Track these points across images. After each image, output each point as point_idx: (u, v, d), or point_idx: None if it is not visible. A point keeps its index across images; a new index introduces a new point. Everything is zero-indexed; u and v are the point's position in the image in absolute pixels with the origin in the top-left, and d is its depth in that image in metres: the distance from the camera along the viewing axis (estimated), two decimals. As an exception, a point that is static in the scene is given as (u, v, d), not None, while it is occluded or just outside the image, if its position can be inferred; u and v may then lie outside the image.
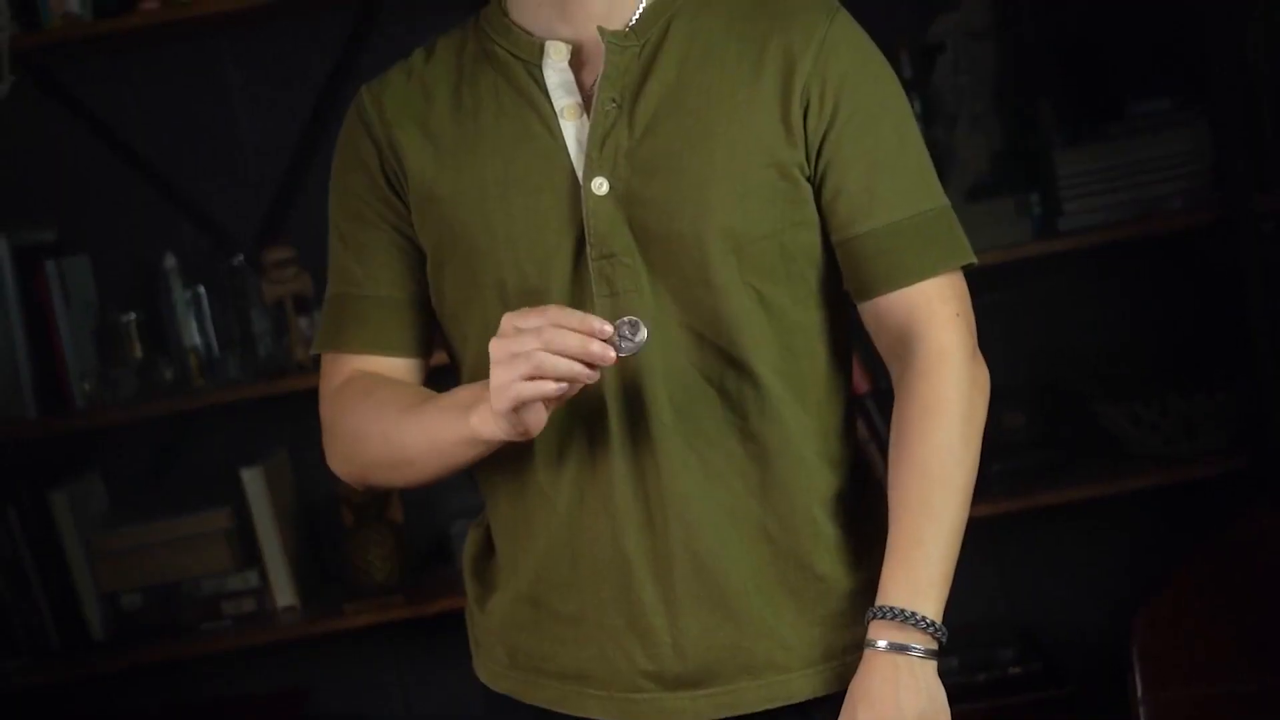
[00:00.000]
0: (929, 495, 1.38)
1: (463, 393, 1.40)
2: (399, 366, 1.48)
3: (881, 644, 1.36)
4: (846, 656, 1.43)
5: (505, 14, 1.46)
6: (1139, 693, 1.89)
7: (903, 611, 1.36)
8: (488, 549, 1.51)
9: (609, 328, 1.30)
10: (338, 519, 2.71)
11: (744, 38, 1.41)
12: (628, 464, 1.41)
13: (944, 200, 1.45)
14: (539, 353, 1.28)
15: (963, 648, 2.63)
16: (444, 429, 1.38)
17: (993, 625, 2.74)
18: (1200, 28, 2.57)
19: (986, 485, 2.63)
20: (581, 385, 1.31)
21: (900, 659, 1.35)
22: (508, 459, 1.44)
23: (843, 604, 1.44)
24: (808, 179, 1.42)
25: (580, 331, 1.28)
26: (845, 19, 1.44)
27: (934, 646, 1.37)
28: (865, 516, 1.47)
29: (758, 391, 1.40)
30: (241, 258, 2.74)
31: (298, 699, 2.77)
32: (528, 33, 1.44)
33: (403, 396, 1.44)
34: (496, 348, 1.30)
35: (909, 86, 2.52)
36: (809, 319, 1.43)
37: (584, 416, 1.41)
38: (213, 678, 2.78)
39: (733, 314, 1.40)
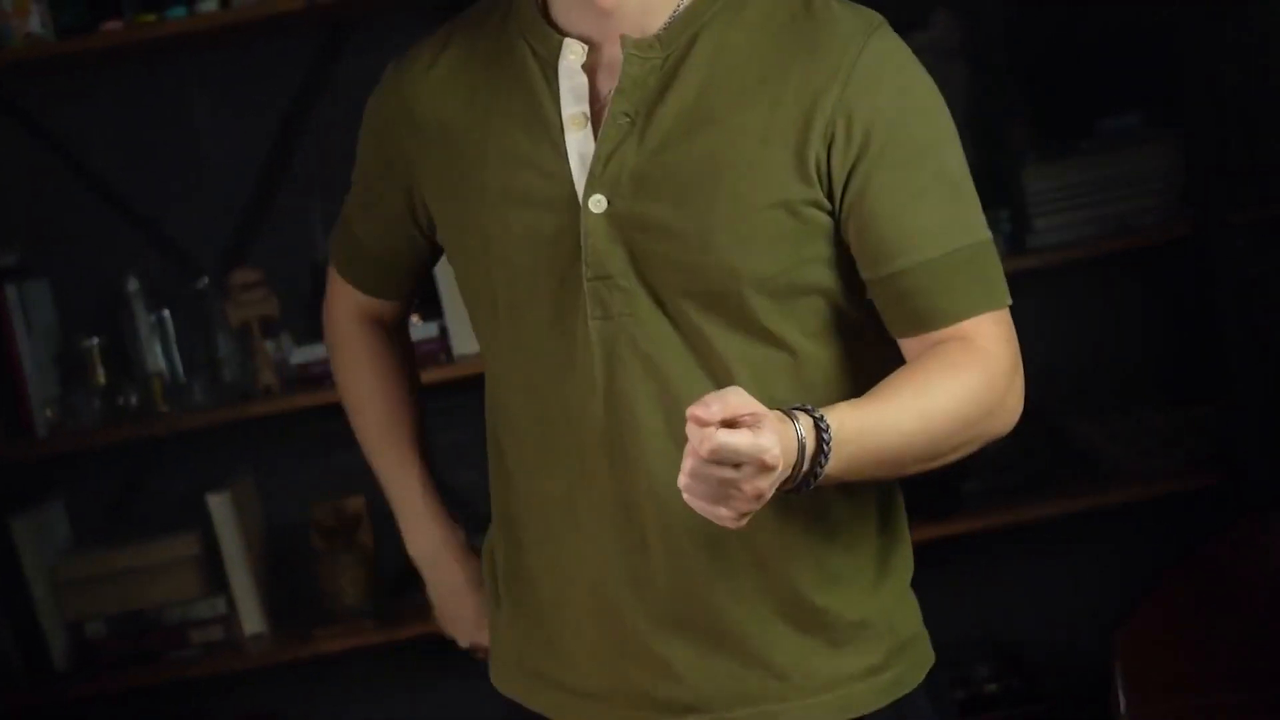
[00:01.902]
0: (916, 408, 1.29)
1: (420, 537, 1.68)
2: (384, 306, 1.60)
3: (801, 429, 1.24)
4: (852, 685, 1.40)
5: (536, 1, 1.40)
6: (1122, 707, 1.88)
7: (825, 427, 1.24)
8: (497, 557, 1.52)
9: None
10: (306, 544, 2.68)
11: (769, 60, 1.34)
12: (618, 487, 1.38)
13: (983, 235, 1.37)
14: None
15: (940, 664, 2.61)
16: (397, 510, 1.66)
17: (970, 642, 2.73)
18: (1170, 44, 2.59)
19: (960, 503, 2.64)
20: None
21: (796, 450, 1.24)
22: (505, 476, 1.46)
23: (846, 634, 1.40)
24: (829, 213, 1.35)
25: None
26: (881, 43, 1.34)
27: (805, 476, 1.25)
28: (876, 547, 1.42)
29: None
30: (206, 280, 2.71)
31: (267, 727, 2.74)
32: (553, 28, 1.38)
33: (388, 433, 1.65)
34: None
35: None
36: (822, 352, 1.38)
37: (575, 440, 1.39)
38: (180, 706, 2.75)
39: (732, 345, 1.35)
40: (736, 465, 1.20)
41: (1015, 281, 3.11)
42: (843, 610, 1.40)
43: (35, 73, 2.67)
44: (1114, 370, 2.74)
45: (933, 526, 2.55)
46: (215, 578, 2.67)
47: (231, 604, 2.66)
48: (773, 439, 1.20)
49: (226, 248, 2.78)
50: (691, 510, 1.32)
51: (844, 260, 1.37)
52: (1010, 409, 1.37)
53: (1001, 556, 2.76)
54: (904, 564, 1.45)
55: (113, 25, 2.56)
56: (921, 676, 1.44)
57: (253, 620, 2.66)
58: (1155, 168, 2.62)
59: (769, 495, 1.23)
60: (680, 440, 1.32)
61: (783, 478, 1.24)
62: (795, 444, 1.24)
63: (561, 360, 1.38)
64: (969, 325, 1.34)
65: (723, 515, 1.23)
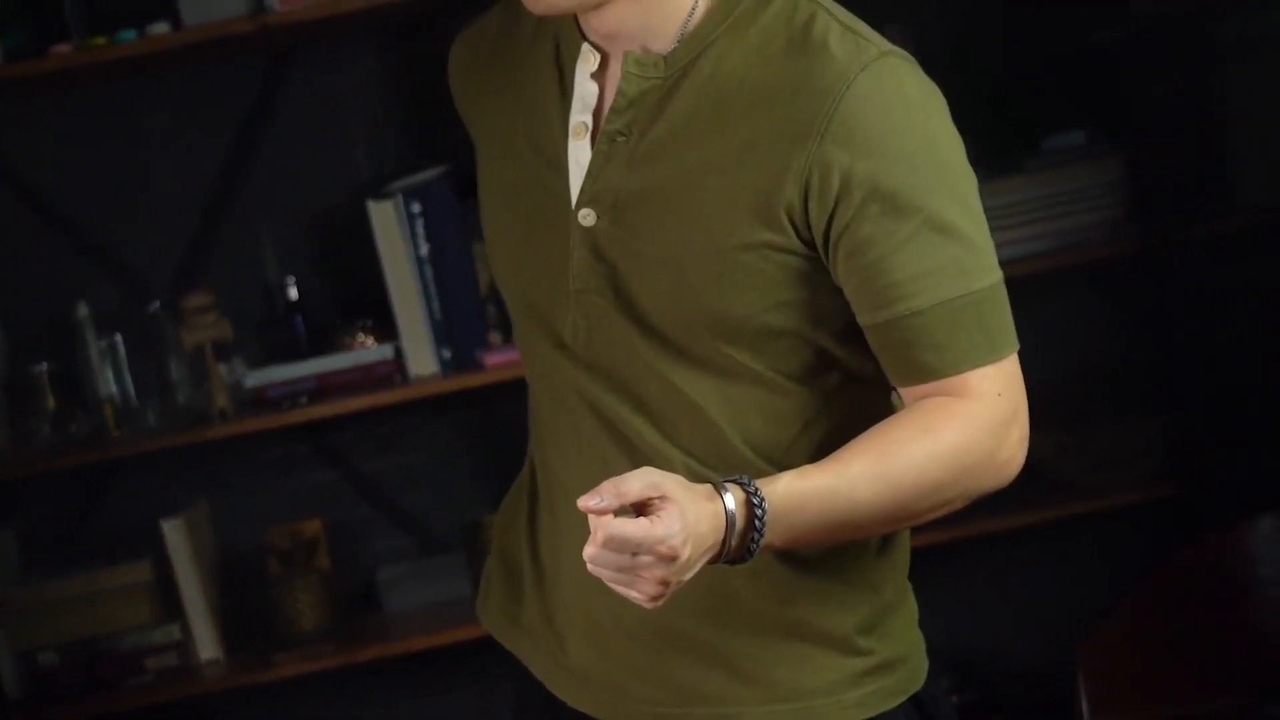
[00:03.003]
0: (876, 474, 1.26)
1: None
2: None
3: (730, 503, 1.22)
4: (815, 700, 1.39)
5: None
6: (1086, 718, 1.90)
7: (759, 501, 1.22)
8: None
9: None
10: (262, 569, 2.66)
11: (755, 95, 1.28)
12: (599, 474, 1.33)
13: (985, 281, 1.29)
14: None
15: (898, 680, 2.63)
16: None
17: (930, 654, 2.74)
18: (1112, 64, 2.63)
19: (917, 517, 2.66)
20: None
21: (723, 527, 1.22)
22: (535, 437, 1.46)
23: (817, 649, 1.39)
24: (806, 258, 1.29)
25: None
26: (869, 82, 1.26)
27: (739, 550, 1.24)
28: (873, 559, 1.41)
29: (723, 449, 1.34)
30: (158, 304, 2.69)
31: (223, 754, 2.72)
32: (578, 30, 1.35)
33: None
34: None
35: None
36: (802, 390, 1.34)
37: (574, 434, 1.40)
38: (137, 735, 2.72)
39: (704, 377, 1.33)
40: (635, 553, 1.18)
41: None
42: (812, 625, 1.39)
43: (-18, 96, 2.65)
44: (1066, 385, 2.76)
45: (889, 541, 2.56)
46: (170, 604, 2.65)
47: (187, 630, 2.64)
48: (674, 527, 1.18)
49: (177, 271, 2.76)
50: None
51: (826, 304, 1.32)
52: (1002, 463, 1.31)
53: (960, 569, 2.78)
54: (896, 587, 1.43)
55: (61, 49, 2.54)
56: (898, 701, 1.42)
57: (208, 646, 2.64)
58: (1101, 184, 2.65)
59: (684, 578, 1.21)
60: (651, 453, 1.34)
61: (705, 558, 1.22)
62: (721, 521, 1.21)
63: (562, 355, 1.39)
64: (963, 378, 1.29)
65: (635, 596, 1.22)
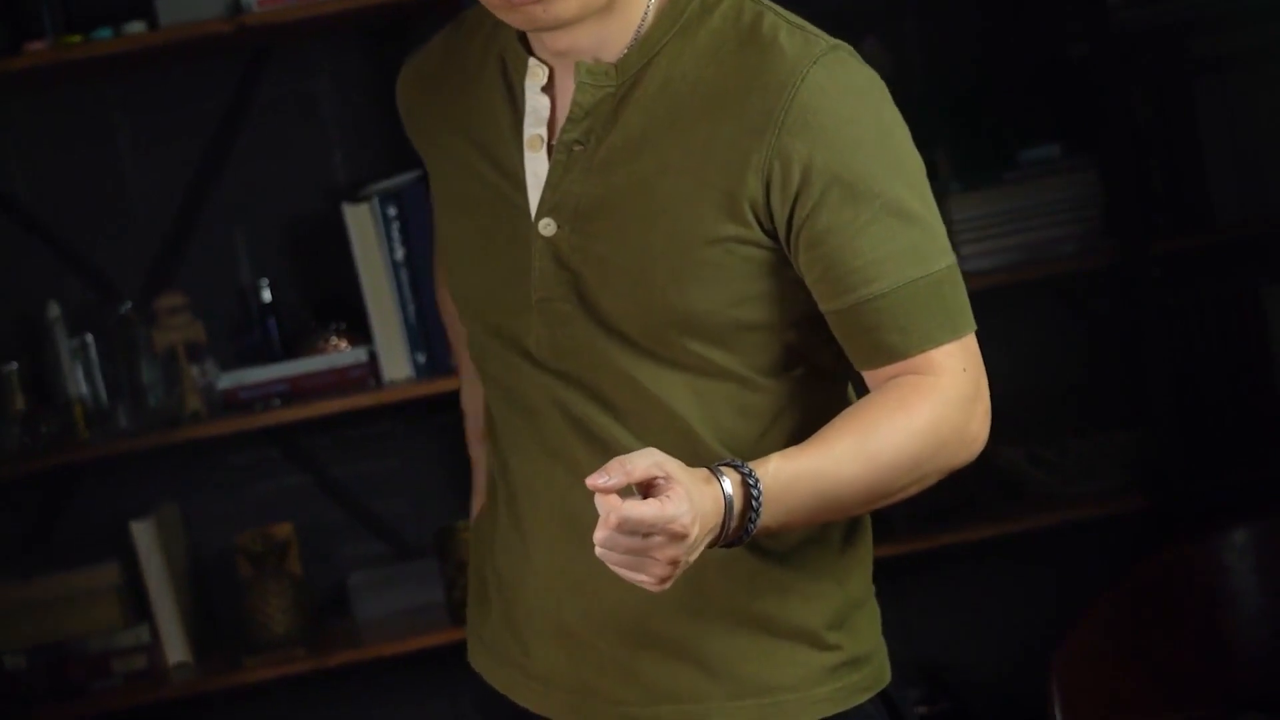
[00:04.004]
0: (859, 451, 1.28)
1: None
2: None
3: (727, 485, 1.24)
4: (782, 695, 1.40)
5: None
6: (1059, 729, 1.91)
7: (754, 482, 1.23)
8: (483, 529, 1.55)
9: None
10: (232, 572, 2.65)
11: (711, 94, 1.32)
12: (566, 492, 1.40)
13: (942, 263, 1.33)
14: None
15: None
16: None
17: (898, 665, 2.74)
18: (1087, 77, 2.64)
19: (888, 526, 2.66)
20: None
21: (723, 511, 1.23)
22: (493, 444, 1.47)
23: (782, 643, 1.40)
24: (770, 250, 1.33)
25: None
26: (822, 74, 1.30)
27: (736, 532, 1.25)
28: (830, 564, 1.43)
29: (695, 446, 1.36)
30: (130, 305, 2.68)
31: (191, 758, 2.70)
32: (523, 46, 1.38)
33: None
34: None
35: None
36: (772, 384, 1.37)
37: (537, 441, 1.41)
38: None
39: (675, 375, 1.35)
40: (647, 534, 1.19)
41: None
42: (780, 619, 1.40)
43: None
44: (1038, 396, 2.77)
45: (862, 551, 2.56)
46: (139, 607, 2.63)
47: (155, 633, 2.62)
48: (683, 506, 1.20)
49: (150, 272, 2.75)
50: None
51: (790, 295, 1.35)
52: (971, 440, 1.34)
53: (930, 580, 2.78)
54: (860, 582, 1.46)
55: (36, 46, 2.52)
56: (866, 697, 1.44)
57: (177, 650, 2.62)
58: (1075, 197, 2.66)
59: (691, 558, 1.22)
60: (622, 452, 1.32)
61: (708, 539, 1.23)
62: (720, 504, 1.23)
63: (526, 364, 1.40)
64: (925, 358, 1.32)
65: (642, 580, 1.23)
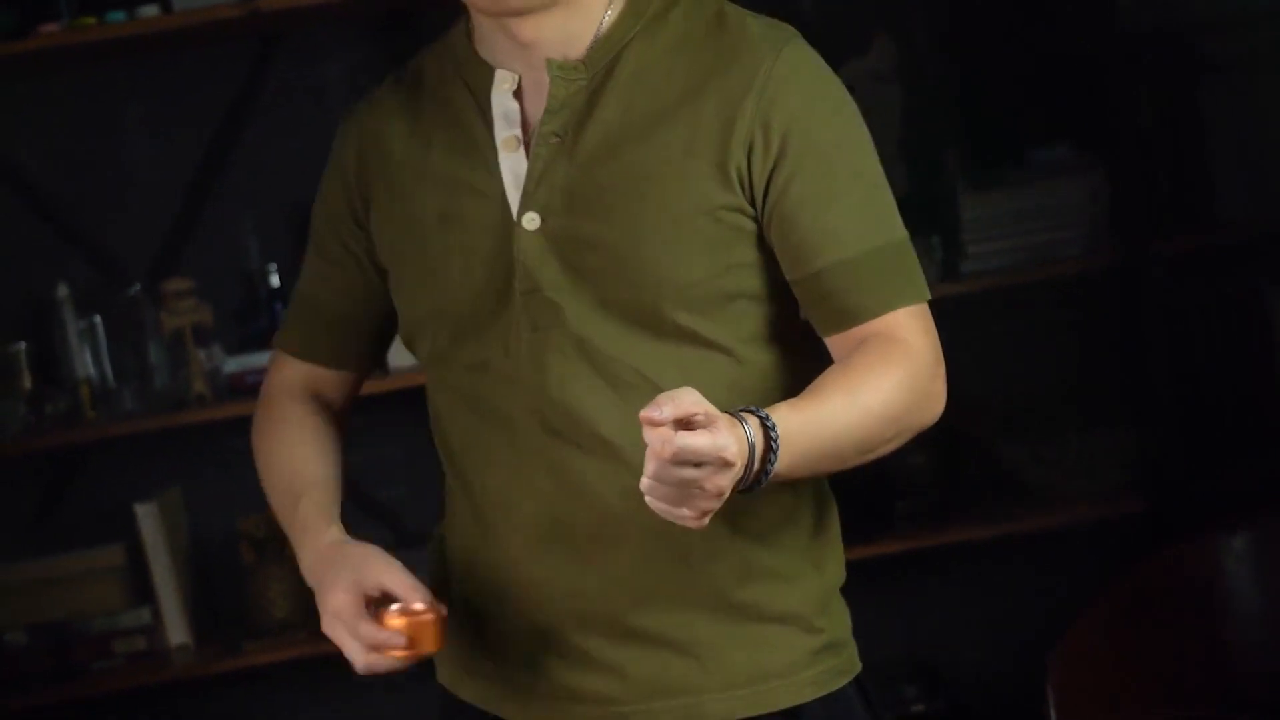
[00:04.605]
0: (851, 403, 1.33)
1: (307, 554, 1.46)
2: (333, 378, 1.57)
3: (750, 430, 1.27)
4: (773, 682, 1.43)
5: (469, 38, 1.47)
6: (1054, 727, 1.91)
7: (772, 426, 1.28)
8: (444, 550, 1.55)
9: None
10: (234, 556, 2.66)
11: (688, 77, 1.40)
12: (552, 492, 1.42)
13: (901, 233, 1.42)
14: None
15: (867, 683, 2.64)
16: (295, 541, 1.49)
17: (895, 662, 2.76)
18: (1097, 77, 2.64)
19: (889, 523, 2.67)
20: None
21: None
22: (454, 475, 1.48)
23: (770, 629, 1.43)
24: (753, 219, 1.40)
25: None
26: (794, 53, 1.40)
27: (756, 476, 1.28)
28: (805, 548, 1.46)
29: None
30: (138, 287, 2.69)
31: (191, 740, 2.71)
32: (484, 62, 1.45)
33: (291, 465, 1.53)
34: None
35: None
36: (758, 356, 1.42)
37: (514, 447, 1.43)
38: (104, 718, 2.71)
39: (665, 352, 1.39)
40: (698, 465, 1.22)
41: (947, 307, 3.16)
42: (767, 605, 1.43)
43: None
44: (1043, 395, 2.78)
45: (863, 547, 2.57)
46: (141, 589, 2.64)
47: (157, 615, 2.63)
48: (729, 437, 1.24)
49: (159, 255, 2.76)
50: (620, 514, 1.39)
51: (771, 265, 1.42)
52: (935, 398, 1.41)
53: (930, 577, 2.79)
54: (835, 568, 1.49)
55: (50, 28, 2.53)
56: (847, 680, 1.47)
57: (178, 632, 2.63)
58: (1083, 197, 2.66)
59: (728, 492, 1.26)
60: (612, 446, 1.39)
61: (737, 477, 1.26)
62: (747, 445, 1.27)
63: (502, 373, 1.42)
64: (891, 320, 1.39)
65: (685, 515, 1.25)
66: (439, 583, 1.52)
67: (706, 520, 1.26)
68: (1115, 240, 2.65)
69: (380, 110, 1.49)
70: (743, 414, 1.29)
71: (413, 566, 2.84)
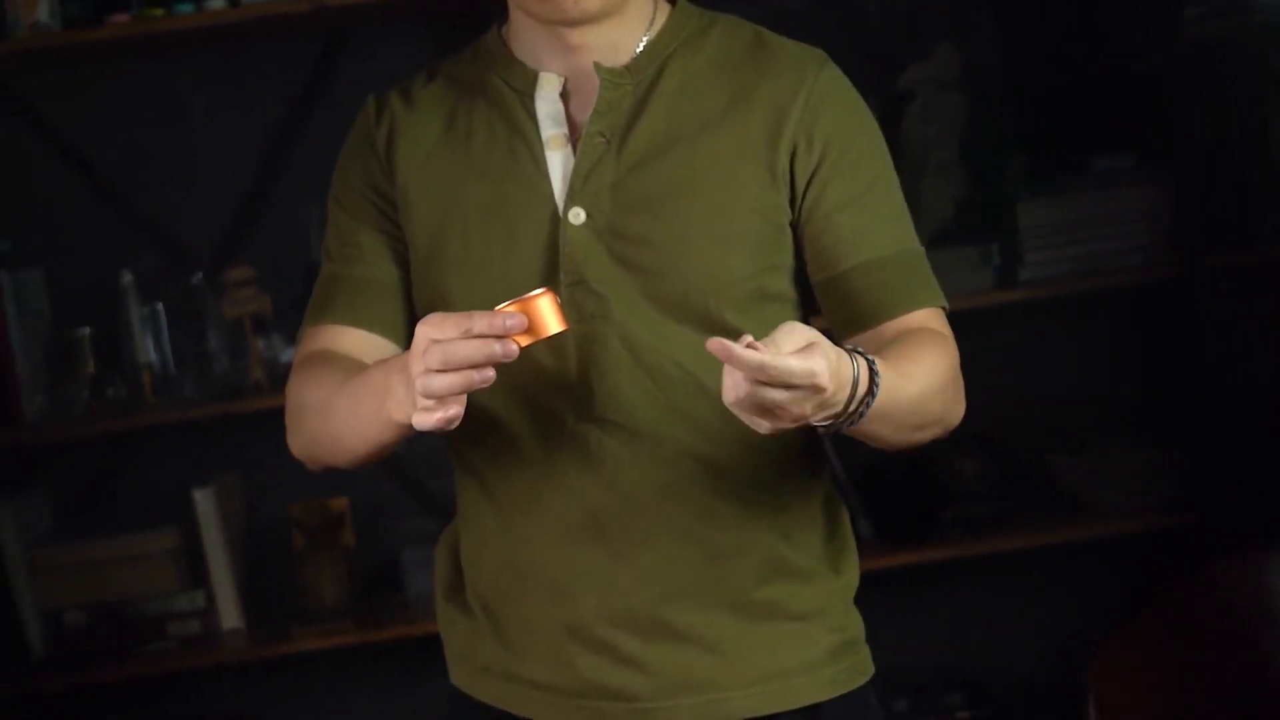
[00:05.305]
0: (914, 372, 1.37)
1: (377, 373, 1.36)
2: (374, 343, 1.48)
3: (859, 366, 1.31)
4: (794, 679, 1.46)
5: (505, 44, 1.51)
6: (1094, 739, 1.90)
7: (874, 366, 1.31)
8: (458, 550, 1.54)
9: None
10: (288, 542, 2.69)
11: (733, 86, 1.47)
12: (583, 487, 1.44)
13: (920, 246, 1.50)
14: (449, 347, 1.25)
15: (911, 692, 2.64)
16: (365, 406, 1.37)
17: (941, 670, 2.75)
18: (1163, 88, 2.62)
19: (938, 531, 2.67)
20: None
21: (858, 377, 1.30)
22: (470, 474, 1.49)
23: (791, 627, 1.46)
24: (790, 223, 1.47)
25: (488, 334, 1.25)
26: (833, 71, 1.50)
27: (851, 414, 1.31)
28: (822, 550, 1.49)
29: (723, 419, 1.39)
30: (200, 276, 2.72)
31: (241, 724, 2.75)
32: (523, 64, 1.49)
33: (344, 370, 1.43)
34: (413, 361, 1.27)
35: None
36: None
37: (544, 441, 1.44)
38: (156, 700, 2.75)
39: (704, 347, 1.39)
40: (790, 387, 1.24)
41: (1004, 314, 3.15)
42: (789, 603, 1.46)
43: (39, 63, 2.68)
44: (1096, 406, 2.76)
45: (910, 553, 2.57)
46: (195, 572, 2.68)
47: (210, 599, 2.67)
48: (822, 364, 1.25)
49: (221, 245, 2.79)
50: (652, 508, 1.42)
51: (799, 271, 1.48)
52: (962, 399, 1.45)
53: (974, 588, 2.78)
54: (851, 571, 1.52)
55: (119, 18, 2.57)
56: (865, 679, 1.51)
57: (230, 616, 2.66)
58: (1144, 209, 2.65)
59: (817, 417, 1.28)
60: (649, 438, 1.42)
61: (834, 409, 1.28)
62: (850, 378, 1.29)
63: (540, 364, 1.43)
64: (920, 316, 1.45)
65: (762, 425, 1.27)
66: (448, 587, 1.54)
67: (777, 432, 1.27)
68: (1175, 252, 2.63)
69: (413, 101, 1.51)
70: (854, 352, 1.32)
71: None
